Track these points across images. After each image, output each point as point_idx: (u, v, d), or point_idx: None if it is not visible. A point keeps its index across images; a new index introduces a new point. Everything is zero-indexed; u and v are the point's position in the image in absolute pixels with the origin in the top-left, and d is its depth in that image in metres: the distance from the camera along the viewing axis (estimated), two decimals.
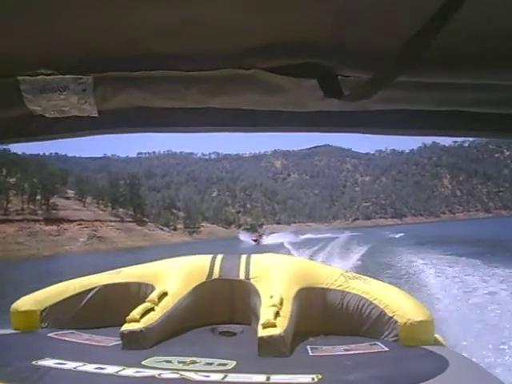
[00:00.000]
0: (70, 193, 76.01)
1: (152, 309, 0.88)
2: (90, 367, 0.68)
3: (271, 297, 0.88)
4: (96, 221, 70.75)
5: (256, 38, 0.42)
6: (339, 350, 0.88)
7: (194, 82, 0.47)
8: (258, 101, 0.48)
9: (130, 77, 0.47)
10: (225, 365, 0.72)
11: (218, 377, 0.66)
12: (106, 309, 0.98)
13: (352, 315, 1.06)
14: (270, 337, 0.78)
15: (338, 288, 1.06)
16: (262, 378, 0.65)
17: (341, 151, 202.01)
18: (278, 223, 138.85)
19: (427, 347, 0.96)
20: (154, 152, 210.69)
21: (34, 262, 35.37)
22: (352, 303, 1.06)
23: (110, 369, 0.67)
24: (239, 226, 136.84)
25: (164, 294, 0.92)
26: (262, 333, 0.79)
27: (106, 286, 1.00)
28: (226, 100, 0.48)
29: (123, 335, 0.83)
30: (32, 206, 64.93)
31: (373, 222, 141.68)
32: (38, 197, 66.70)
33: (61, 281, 1.05)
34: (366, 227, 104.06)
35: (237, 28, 0.41)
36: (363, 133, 0.54)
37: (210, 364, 0.73)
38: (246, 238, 41.75)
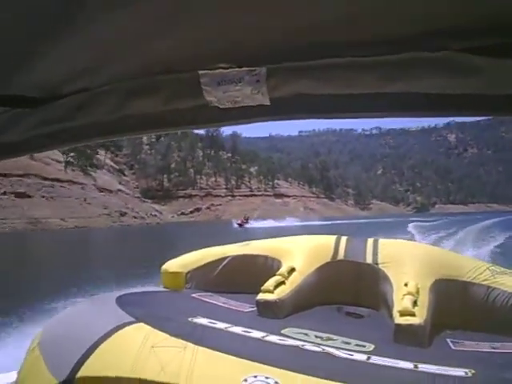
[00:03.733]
0: (278, 175, 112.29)
1: (283, 282, 0.97)
2: (238, 329, 0.76)
3: (405, 285, 0.91)
4: (302, 196, 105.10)
5: (445, 18, 0.42)
6: (485, 346, 0.88)
7: (370, 68, 0.49)
8: (446, 84, 0.48)
9: (303, 66, 0.51)
10: (363, 346, 0.75)
11: (362, 357, 0.69)
12: (236, 276, 1.12)
13: (498, 313, 1.04)
14: (409, 325, 0.81)
15: (484, 282, 1.05)
16: (409, 365, 0.67)
17: None
18: (453, 203, 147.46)
19: None
20: (313, 130, 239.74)
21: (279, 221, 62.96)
22: (500, 300, 1.04)
23: (256, 333, 0.75)
24: (408, 205, 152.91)
25: (292, 270, 1.01)
26: (400, 320, 0.82)
27: (237, 256, 1.15)
28: (407, 85, 0.49)
29: (259, 303, 0.92)
30: (263, 186, 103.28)
31: None
32: (263, 178, 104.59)
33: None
34: None
35: (419, 11, 0.42)
36: None
37: (348, 343, 0.77)
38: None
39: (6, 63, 0.56)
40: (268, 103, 0.56)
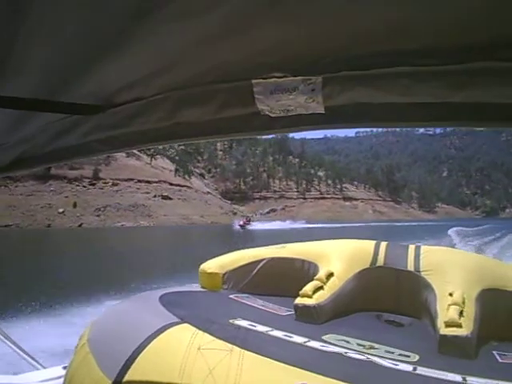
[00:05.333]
0: (344, 178, 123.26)
1: (321, 287, 0.98)
2: (279, 333, 0.77)
3: (450, 294, 0.91)
4: (369, 199, 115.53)
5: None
6: None
7: (432, 77, 0.49)
8: None
9: (362, 75, 0.52)
10: (407, 356, 0.76)
11: (407, 367, 0.69)
12: (272, 279, 1.14)
13: None
14: (455, 337, 0.81)
15: None
16: (457, 377, 0.66)
17: None
18: None
19: None
20: (372, 130, 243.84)
21: (350, 222, 66.65)
22: None
23: (297, 338, 0.75)
24: (476, 208, 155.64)
25: (331, 275, 1.02)
26: (446, 331, 0.82)
27: (273, 259, 1.17)
28: (471, 94, 0.48)
29: (298, 308, 0.93)
30: (332, 189, 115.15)
31: None
32: (331, 182, 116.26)
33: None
34: None
35: (487, 18, 0.41)
36: None
37: (391, 353, 0.77)
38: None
39: (68, 73, 0.63)
40: (322, 111, 0.57)
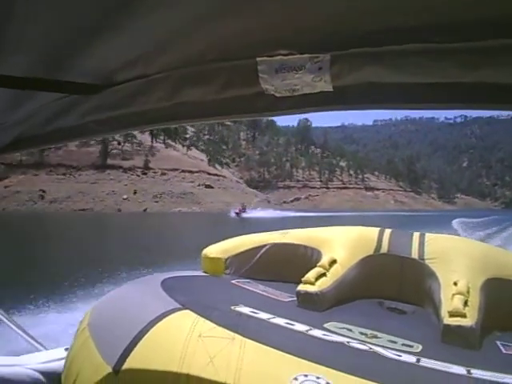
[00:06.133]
0: (365, 169, 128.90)
1: (324, 274, 0.99)
2: (281, 321, 0.77)
3: (455, 283, 0.91)
4: (390, 190, 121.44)
5: None
6: None
7: (448, 55, 0.47)
8: None
9: (372, 52, 0.50)
10: (410, 346, 0.76)
11: (411, 359, 0.69)
12: (275, 265, 1.15)
13: None
14: (459, 327, 0.81)
15: None
16: (461, 370, 0.66)
17: None
18: None
19: None
20: (390, 119, 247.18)
21: (373, 211, 71.97)
22: None
23: (299, 326, 0.76)
24: (496, 200, 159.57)
25: (334, 262, 1.03)
26: (450, 321, 0.82)
27: (276, 244, 1.18)
28: (484, 74, 0.47)
29: (300, 294, 0.94)
30: (354, 179, 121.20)
31: None
32: (353, 172, 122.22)
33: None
34: None
35: None
36: None
37: (394, 342, 0.77)
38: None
39: (66, 51, 0.62)
40: (330, 89, 0.55)
